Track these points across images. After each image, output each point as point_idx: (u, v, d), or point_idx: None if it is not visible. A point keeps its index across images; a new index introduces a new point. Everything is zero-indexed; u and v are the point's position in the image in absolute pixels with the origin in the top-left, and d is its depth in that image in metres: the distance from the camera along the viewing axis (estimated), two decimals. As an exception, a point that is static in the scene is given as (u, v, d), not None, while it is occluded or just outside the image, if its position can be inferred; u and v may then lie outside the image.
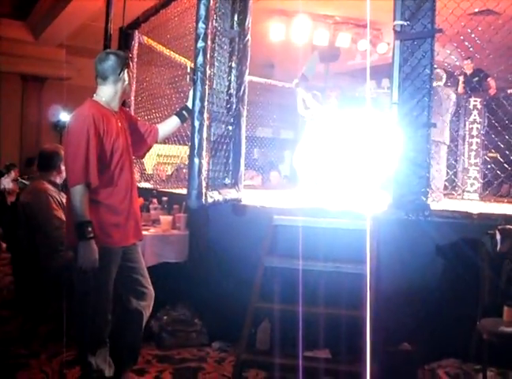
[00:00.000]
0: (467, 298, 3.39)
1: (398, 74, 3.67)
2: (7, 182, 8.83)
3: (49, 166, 3.96)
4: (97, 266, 2.66)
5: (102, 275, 2.76)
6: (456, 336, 3.38)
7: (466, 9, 4.08)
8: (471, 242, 3.47)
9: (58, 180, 3.94)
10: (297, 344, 3.46)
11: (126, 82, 2.90)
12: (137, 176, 5.58)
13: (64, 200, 3.78)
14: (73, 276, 2.85)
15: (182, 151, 5.98)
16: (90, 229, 2.63)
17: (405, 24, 3.64)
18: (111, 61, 2.84)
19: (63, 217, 3.73)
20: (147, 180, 6.36)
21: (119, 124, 2.89)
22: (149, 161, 6.40)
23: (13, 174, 9.27)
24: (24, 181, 9.16)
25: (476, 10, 4.93)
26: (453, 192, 7.19)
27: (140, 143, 3.13)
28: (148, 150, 3.26)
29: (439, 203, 5.20)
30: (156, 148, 5.93)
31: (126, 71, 2.88)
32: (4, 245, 7.18)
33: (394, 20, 3.67)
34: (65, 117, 12.96)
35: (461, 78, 7.70)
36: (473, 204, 6.39)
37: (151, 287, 3.06)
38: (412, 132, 3.65)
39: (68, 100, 12.06)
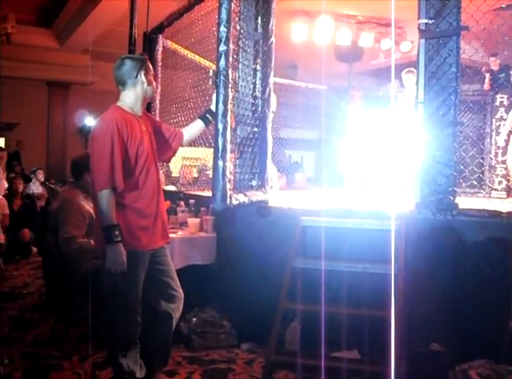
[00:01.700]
0: (498, 298, 3.36)
1: (424, 73, 3.64)
2: (36, 187, 8.96)
3: (80, 172, 3.97)
4: (125, 269, 2.69)
5: (131, 279, 2.80)
6: (488, 337, 3.35)
7: (492, 5, 4.03)
8: (500, 241, 3.42)
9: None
10: (326, 345, 3.46)
11: (146, 84, 2.92)
12: (163, 179, 5.63)
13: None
14: (102, 279, 2.89)
15: (209, 153, 6.01)
16: (117, 232, 2.66)
17: (430, 22, 3.61)
18: (126, 66, 2.88)
19: (78, 230, 3.81)
20: (173, 183, 6.41)
21: (143, 128, 2.91)
22: (175, 164, 6.44)
23: (39, 176, 9.39)
24: (51, 185, 9.29)
25: (503, 6, 4.87)
26: (481, 190, 7.10)
27: (165, 147, 3.16)
28: (173, 154, 3.27)
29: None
30: (182, 151, 5.97)
31: (143, 73, 2.90)
32: (35, 249, 7.33)
33: (419, 18, 3.64)
34: (90, 121, 13.17)
35: (488, 75, 7.61)
36: (501, 202, 6.30)
37: (180, 290, 3.09)
38: (438, 131, 3.62)
39: (92, 105, 12.24)
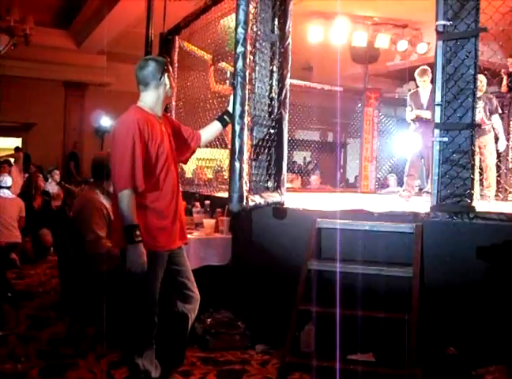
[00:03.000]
0: (515, 302, 3.33)
1: (441, 75, 3.63)
2: (52, 187, 9.03)
3: (102, 174, 3.89)
4: (145, 269, 2.70)
5: (149, 279, 2.80)
6: (504, 342, 3.31)
7: (512, 6, 4.00)
8: (518, 244, 3.39)
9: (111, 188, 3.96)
10: (341, 347, 3.45)
11: (168, 86, 2.95)
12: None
13: None
14: (120, 279, 2.90)
15: (224, 154, 6.02)
16: (138, 233, 2.67)
17: (448, 24, 3.59)
18: (151, 67, 2.89)
19: (101, 230, 3.82)
20: (187, 184, 6.42)
21: (163, 129, 2.93)
22: (189, 165, 6.45)
23: (55, 176, 9.46)
24: (67, 185, 9.36)
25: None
26: (498, 193, 7.05)
27: (183, 148, 3.18)
28: (191, 155, 3.30)
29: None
30: (197, 152, 5.97)
31: (166, 75, 2.92)
32: (51, 248, 7.38)
33: (437, 20, 3.62)
34: (105, 122, 13.27)
35: (506, 77, 7.53)
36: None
37: (196, 291, 3.09)
38: (455, 133, 3.60)
39: (108, 106, 12.32)
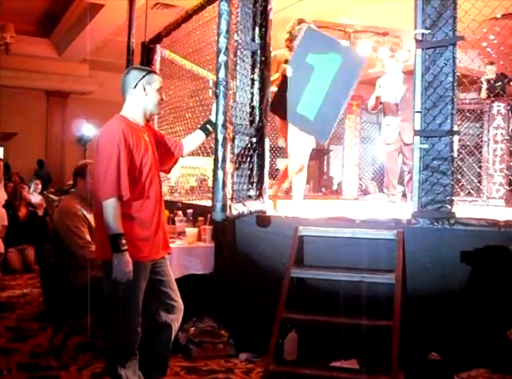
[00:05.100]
0: (496, 306, 3.37)
1: (420, 83, 3.68)
2: (34, 197, 8.94)
3: (75, 178, 4.05)
4: (131, 278, 2.69)
5: (132, 289, 2.79)
6: (486, 346, 3.35)
7: (488, 15, 4.07)
8: (498, 249, 3.44)
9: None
10: (324, 354, 3.46)
11: (145, 95, 2.92)
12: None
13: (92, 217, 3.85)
14: (102, 290, 2.89)
15: (206, 162, 6.02)
16: (124, 241, 2.66)
17: (426, 32, 3.65)
18: (130, 75, 2.90)
19: (87, 236, 3.82)
20: (171, 192, 6.41)
21: (147, 138, 2.93)
22: (172, 173, 6.43)
23: (38, 186, 9.36)
24: (51, 195, 9.27)
25: (499, 16, 4.91)
26: (479, 199, 7.15)
27: (166, 158, 3.17)
28: (174, 165, 3.29)
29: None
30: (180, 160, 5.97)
31: (142, 84, 2.89)
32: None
33: (415, 28, 3.68)
34: (88, 131, 13.20)
35: (485, 84, 7.65)
36: (499, 210, 6.32)
37: (180, 300, 3.08)
38: (435, 140, 3.65)
39: (90, 114, 12.27)
